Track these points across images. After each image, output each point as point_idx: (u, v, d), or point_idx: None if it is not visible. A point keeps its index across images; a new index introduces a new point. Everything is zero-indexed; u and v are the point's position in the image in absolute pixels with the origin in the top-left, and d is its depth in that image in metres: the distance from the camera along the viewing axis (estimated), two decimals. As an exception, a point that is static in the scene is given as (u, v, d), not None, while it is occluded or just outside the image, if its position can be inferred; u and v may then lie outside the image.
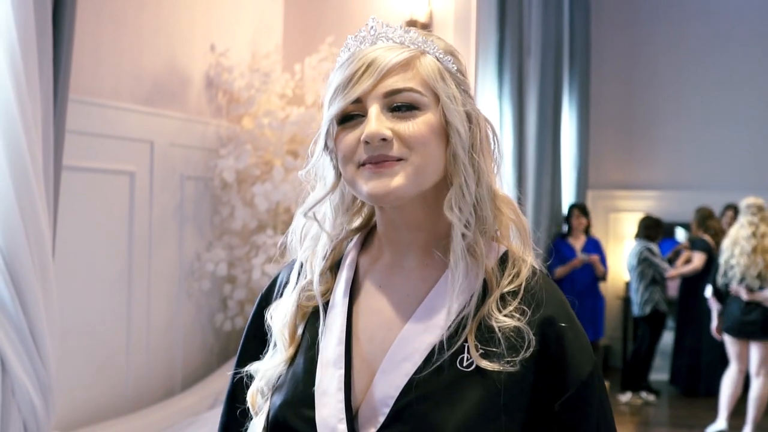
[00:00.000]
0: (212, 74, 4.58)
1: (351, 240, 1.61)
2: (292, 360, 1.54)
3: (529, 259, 1.49)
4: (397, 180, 1.41)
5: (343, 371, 1.46)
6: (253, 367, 1.59)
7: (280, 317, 1.57)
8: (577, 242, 8.69)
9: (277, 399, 1.51)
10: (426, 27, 4.75)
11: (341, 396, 1.44)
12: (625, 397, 8.42)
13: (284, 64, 4.82)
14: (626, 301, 9.47)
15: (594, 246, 8.69)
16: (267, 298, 1.67)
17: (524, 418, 1.42)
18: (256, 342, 1.65)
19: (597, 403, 1.46)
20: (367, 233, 1.62)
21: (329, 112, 1.46)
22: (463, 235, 1.44)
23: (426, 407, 1.39)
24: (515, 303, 1.44)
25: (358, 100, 1.43)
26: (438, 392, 1.39)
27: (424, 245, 1.51)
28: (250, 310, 1.69)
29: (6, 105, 2.72)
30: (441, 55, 1.48)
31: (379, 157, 1.41)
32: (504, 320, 1.42)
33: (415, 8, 4.73)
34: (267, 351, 1.60)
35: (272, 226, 4.88)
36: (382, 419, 1.41)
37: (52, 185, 3.01)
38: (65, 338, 3.09)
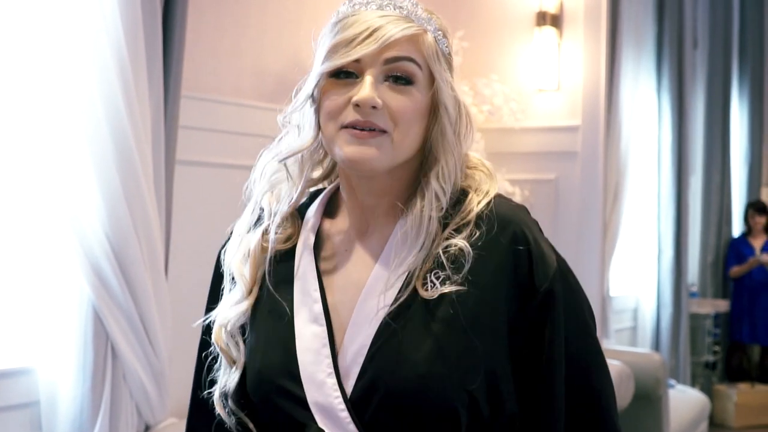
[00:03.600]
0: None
1: (313, 201, 1.62)
2: (255, 309, 1.57)
3: (489, 192, 1.52)
4: (376, 152, 1.43)
5: (325, 327, 1.48)
6: (215, 312, 1.60)
7: (238, 256, 1.58)
8: (757, 241, 8.38)
9: (257, 360, 1.53)
10: (556, 19, 4.66)
11: (327, 351, 1.47)
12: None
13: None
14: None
15: (775, 243, 8.37)
16: (221, 253, 1.67)
17: (503, 340, 1.45)
18: (214, 295, 1.66)
19: (563, 308, 1.48)
20: (329, 197, 1.63)
21: (323, 65, 1.46)
22: (437, 198, 1.48)
23: (396, 346, 1.42)
24: (467, 230, 1.46)
25: (358, 60, 1.43)
26: (406, 329, 1.43)
27: (387, 209, 1.53)
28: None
29: (114, 104, 2.79)
30: (440, 36, 1.50)
31: (365, 123, 1.43)
32: (451, 241, 1.45)
33: (546, 1, 4.65)
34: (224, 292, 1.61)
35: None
36: (358, 369, 1.44)
37: (163, 179, 3.07)
38: (179, 330, 3.14)
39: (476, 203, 1.49)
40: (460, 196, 1.52)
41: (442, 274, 1.43)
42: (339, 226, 1.59)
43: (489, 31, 4.86)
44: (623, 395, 3.98)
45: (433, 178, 1.48)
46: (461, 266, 1.43)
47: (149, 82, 2.96)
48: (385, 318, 1.44)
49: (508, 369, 1.46)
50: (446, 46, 1.52)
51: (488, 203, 1.49)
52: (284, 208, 1.58)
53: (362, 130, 1.43)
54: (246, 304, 1.56)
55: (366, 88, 1.42)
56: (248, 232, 1.60)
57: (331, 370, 1.45)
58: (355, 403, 1.44)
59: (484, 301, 1.44)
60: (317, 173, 1.62)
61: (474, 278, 1.43)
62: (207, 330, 1.64)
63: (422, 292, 1.43)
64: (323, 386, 1.45)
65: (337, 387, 1.45)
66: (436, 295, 1.43)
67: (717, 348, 8.07)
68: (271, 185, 1.59)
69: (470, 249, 1.43)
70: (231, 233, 1.65)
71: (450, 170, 1.49)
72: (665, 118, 6.73)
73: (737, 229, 8.72)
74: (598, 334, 4.51)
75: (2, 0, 2.71)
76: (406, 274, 1.46)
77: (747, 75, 9.08)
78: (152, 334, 2.97)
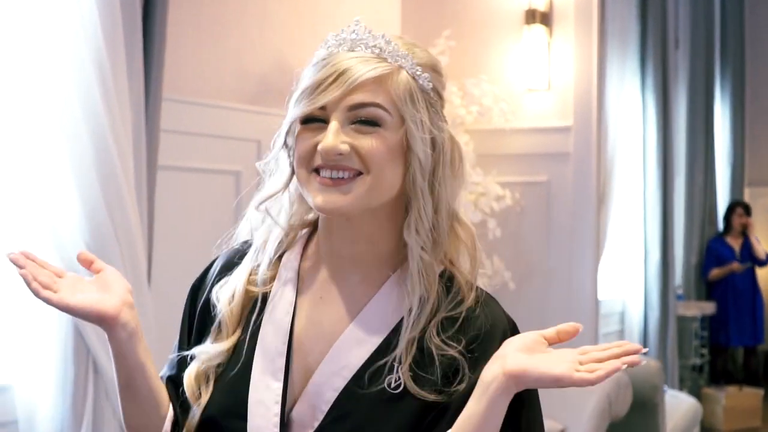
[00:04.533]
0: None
1: (294, 243, 1.57)
2: (233, 350, 1.50)
3: (474, 287, 1.47)
4: (348, 198, 1.39)
5: (281, 384, 1.44)
6: (197, 349, 1.52)
7: (226, 295, 1.53)
8: (736, 242, 8.33)
9: (212, 400, 1.48)
10: (546, 17, 4.57)
11: (277, 409, 1.43)
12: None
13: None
14: (790, 303, 8.98)
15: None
16: (199, 286, 1.62)
17: None
18: (188, 330, 1.61)
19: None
20: (307, 239, 1.58)
21: (293, 111, 1.42)
22: (421, 258, 1.42)
23: (352, 424, 1.38)
24: (452, 330, 1.41)
25: (323, 107, 1.39)
26: (364, 411, 1.38)
27: (367, 260, 1.48)
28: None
29: (92, 105, 2.71)
30: (418, 72, 1.44)
31: (334, 167, 1.39)
32: (443, 347, 1.39)
33: (534, -2, 4.57)
34: (209, 333, 1.54)
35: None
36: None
37: (145, 185, 3.00)
38: (164, 346, 3.05)
39: (468, 296, 1.46)
40: (448, 271, 1.48)
41: (424, 374, 1.39)
42: (315, 269, 1.53)
43: (477, 30, 4.76)
44: (621, 404, 3.91)
45: (405, 231, 1.44)
46: (447, 376, 1.39)
47: (129, 85, 2.90)
48: (348, 385, 1.40)
49: None
50: (428, 81, 1.45)
51: (477, 301, 1.45)
52: (270, 252, 1.54)
53: (333, 177, 1.39)
54: (228, 344, 1.51)
55: (329, 137, 1.37)
56: (233, 271, 1.56)
57: (277, 429, 1.41)
58: None
59: (449, 411, 1.38)
60: (311, 215, 1.57)
61: (449, 389, 1.39)
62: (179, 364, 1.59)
63: (403, 376, 1.39)
64: None
65: None
66: (410, 391, 1.38)
67: (704, 351, 8.03)
68: (268, 230, 1.56)
69: (467, 369, 1.38)
70: (207, 268, 1.62)
71: (424, 220, 1.43)
72: (650, 119, 6.70)
73: (721, 229, 8.69)
74: (591, 338, 4.43)
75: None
76: (383, 340, 1.42)
77: (729, 74, 9.09)
78: (135, 348, 2.84)
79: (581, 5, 4.53)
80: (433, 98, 1.46)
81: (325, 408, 1.40)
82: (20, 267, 1.44)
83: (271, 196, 1.50)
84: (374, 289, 1.46)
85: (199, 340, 1.55)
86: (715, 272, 8.28)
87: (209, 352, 1.50)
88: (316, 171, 1.40)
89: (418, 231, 1.42)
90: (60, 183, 2.68)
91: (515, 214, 4.55)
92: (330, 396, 1.40)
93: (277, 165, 1.51)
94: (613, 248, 6.49)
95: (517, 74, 4.64)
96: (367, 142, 1.38)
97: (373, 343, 1.41)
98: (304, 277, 1.52)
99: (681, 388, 7.16)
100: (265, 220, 1.55)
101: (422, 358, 1.39)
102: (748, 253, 8.36)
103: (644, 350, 1.30)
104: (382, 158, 1.38)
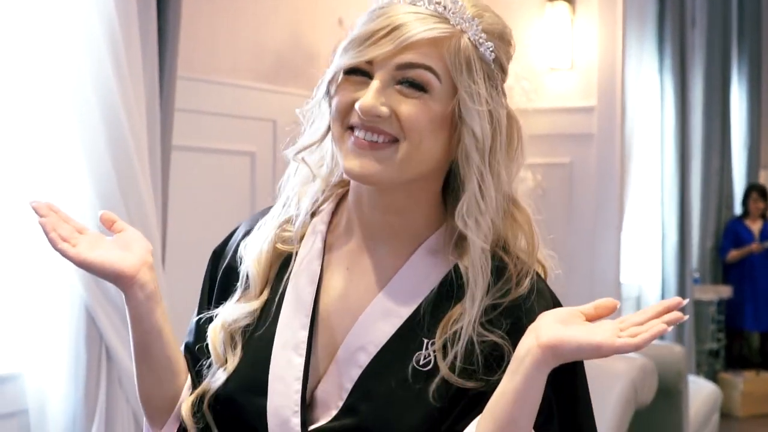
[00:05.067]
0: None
1: (327, 204, 1.49)
2: (261, 311, 1.43)
3: (531, 274, 1.36)
4: (379, 166, 1.30)
5: (303, 360, 1.36)
6: (221, 310, 1.45)
7: (253, 252, 1.45)
8: (755, 225, 8.26)
9: (236, 372, 1.40)
10: (571, -4, 4.47)
11: (298, 386, 1.34)
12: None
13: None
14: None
15: (773, 229, 8.25)
16: (221, 251, 1.55)
17: None
18: (208, 294, 1.54)
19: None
20: (338, 203, 1.49)
21: (338, 61, 1.33)
22: (482, 249, 1.32)
23: (377, 404, 1.30)
24: (493, 314, 1.31)
25: (370, 62, 1.30)
26: (390, 388, 1.30)
27: (398, 232, 1.40)
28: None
29: (105, 84, 2.66)
30: (482, 40, 1.32)
31: (370, 128, 1.30)
32: (485, 333, 1.30)
33: (559, -24, 4.47)
34: (235, 289, 1.46)
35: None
36: (334, 412, 1.33)
37: (159, 166, 2.94)
38: (178, 327, 2.99)
39: (523, 283, 1.35)
40: (499, 254, 1.37)
41: (465, 365, 1.29)
42: (344, 238, 1.45)
43: (497, 7, 4.57)
44: (647, 391, 3.83)
45: (458, 218, 1.33)
46: (491, 365, 1.30)
47: (143, 63, 2.83)
48: (373, 361, 1.33)
49: None
50: (491, 51, 1.33)
51: (531, 291, 1.35)
52: (306, 208, 1.47)
53: (367, 139, 1.31)
54: (256, 304, 1.43)
55: (368, 96, 1.28)
56: (271, 225, 1.48)
57: (298, 408, 1.34)
58: None
59: (484, 397, 1.29)
60: None
61: (493, 378, 1.29)
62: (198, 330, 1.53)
63: (423, 355, 1.32)
64: (287, 424, 1.34)
65: (299, 430, 1.34)
66: (440, 370, 1.30)
67: (720, 335, 7.95)
68: (303, 182, 1.49)
69: (510, 347, 1.28)
70: (231, 234, 1.56)
71: (482, 203, 1.33)
72: (668, 101, 6.62)
73: (738, 213, 8.60)
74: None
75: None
76: (411, 313, 1.34)
77: (746, 56, 8.97)
78: (149, 335, 2.79)
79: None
80: (494, 70, 1.34)
81: (349, 386, 1.32)
82: (41, 216, 1.38)
83: (308, 147, 1.43)
84: (403, 261, 1.38)
85: (222, 303, 1.47)
86: (734, 254, 8.20)
87: (234, 313, 1.43)
88: (351, 129, 1.32)
89: (477, 220, 1.32)
90: (72, 163, 2.62)
91: (537, 197, 4.46)
92: (355, 373, 1.32)
93: (319, 112, 1.42)
94: (630, 232, 6.42)
95: (540, 53, 4.54)
96: (409, 108, 1.28)
97: (401, 316, 1.33)
98: (331, 245, 1.45)
99: (698, 373, 7.09)
100: (298, 172, 1.48)
101: (458, 342, 1.29)
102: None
103: (684, 302, 1.19)
104: (423, 127, 1.29)
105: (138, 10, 2.77)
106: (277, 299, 1.42)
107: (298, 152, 1.43)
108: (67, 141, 2.61)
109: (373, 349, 1.32)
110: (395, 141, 1.29)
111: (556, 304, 1.38)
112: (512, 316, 1.31)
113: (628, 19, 5.50)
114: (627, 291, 6.45)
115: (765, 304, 8.29)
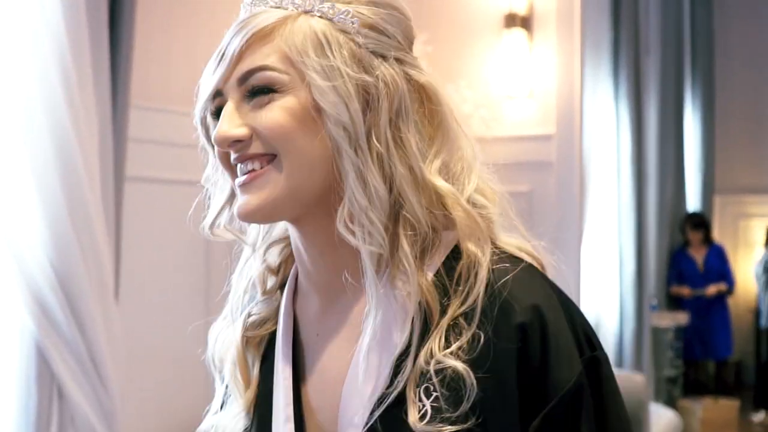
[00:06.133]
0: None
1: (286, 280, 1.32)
2: (254, 409, 1.27)
3: (485, 262, 1.13)
4: (264, 194, 1.13)
5: None
6: (208, 424, 1.32)
7: (228, 355, 1.30)
8: (699, 254, 8.26)
9: None
10: (526, 21, 4.45)
11: None
12: (759, 416, 7.94)
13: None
14: (758, 313, 8.94)
15: (717, 255, 8.26)
16: None
17: None
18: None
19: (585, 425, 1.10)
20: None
21: (196, 106, 1.22)
22: (379, 257, 1.13)
23: None
24: (472, 328, 1.09)
25: (219, 93, 1.16)
26: None
27: (347, 270, 1.17)
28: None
29: (57, 113, 2.60)
30: (331, 11, 1.15)
31: (241, 158, 1.14)
32: (443, 361, 1.08)
33: (514, 1, 4.44)
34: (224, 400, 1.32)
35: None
36: None
37: (112, 197, 2.87)
38: (132, 360, 2.93)
39: (479, 276, 1.13)
40: (450, 259, 1.17)
41: (429, 402, 1.09)
42: (305, 301, 1.28)
43: (455, 35, 4.64)
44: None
45: (340, 227, 1.13)
46: (459, 397, 1.07)
47: (95, 91, 2.76)
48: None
49: None
50: (352, 17, 1.15)
51: (491, 278, 1.12)
52: (261, 283, 1.33)
53: (245, 172, 1.15)
54: (245, 414, 1.29)
55: (221, 124, 1.14)
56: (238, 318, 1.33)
57: None
58: None
59: None
60: (276, 231, 1.34)
61: (483, 411, 1.07)
62: None
63: (411, 415, 1.08)
64: None
65: None
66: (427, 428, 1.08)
67: (678, 362, 7.97)
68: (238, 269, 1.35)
69: (473, 379, 1.07)
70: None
71: (364, 199, 1.11)
72: (623, 127, 6.61)
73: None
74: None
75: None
76: (391, 368, 1.12)
77: (699, 81, 9.06)
78: (102, 370, 2.76)
79: (563, 9, 4.42)
80: (366, 37, 1.16)
81: None
82: None
83: (220, 211, 1.26)
84: (364, 307, 1.16)
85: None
86: (675, 290, 8.19)
87: (224, 421, 1.30)
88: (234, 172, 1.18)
89: (358, 218, 1.11)
90: (22, 197, 2.56)
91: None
92: None
93: (220, 174, 1.25)
94: (587, 260, 6.40)
95: (497, 80, 4.52)
96: (264, 115, 1.12)
97: (382, 375, 1.12)
98: (300, 314, 1.28)
99: (656, 400, 7.08)
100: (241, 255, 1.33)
101: (426, 381, 1.09)
102: (714, 265, 8.26)
103: None
104: (287, 129, 1.11)
105: (90, 37, 2.71)
106: (261, 397, 1.28)
107: (213, 220, 1.27)
108: (17, 172, 2.54)
109: (359, 421, 1.13)
110: (274, 158, 1.14)
111: (529, 297, 1.13)
112: (490, 318, 1.10)
113: (585, 46, 5.52)
114: (585, 318, 6.43)
115: (717, 334, 8.31)
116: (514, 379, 1.08)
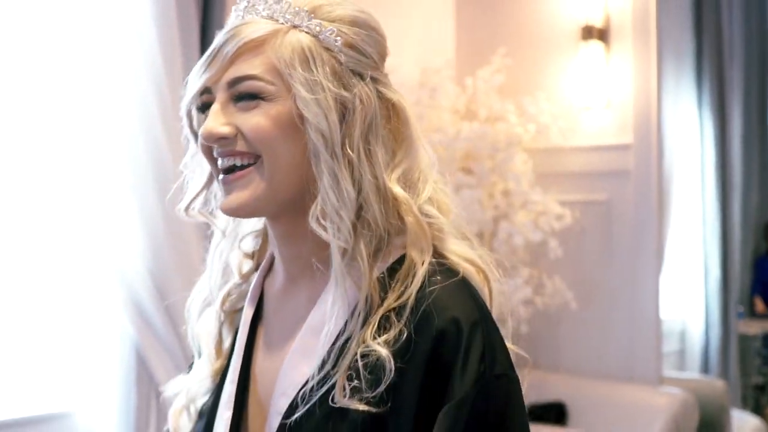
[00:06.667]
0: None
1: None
2: (222, 376, 1.39)
3: (422, 269, 1.23)
4: (247, 192, 1.24)
5: (231, 413, 1.32)
6: (175, 384, 1.46)
7: (208, 325, 1.44)
8: (785, 261, 8.14)
9: None
10: (603, 33, 4.49)
11: None
12: None
13: (456, 78, 4.66)
14: None
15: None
16: None
17: None
18: None
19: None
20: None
21: (183, 99, 1.29)
22: (344, 251, 1.22)
23: None
24: (400, 324, 1.20)
25: (208, 90, 1.25)
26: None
27: (308, 261, 1.29)
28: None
29: (152, 133, 2.74)
30: (319, 28, 1.25)
31: (224, 153, 1.24)
32: (372, 347, 1.18)
33: (591, 13, 4.48)
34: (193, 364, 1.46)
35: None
36: None
37: None
38: None
39: (417, 276, 1.23)
40: (397, 261, 1.27)
41: (355, 383, 1.18)
42: (273, 280, 1.39)
43: (533, 48, 4.69)
44: (688, 426, 3.82)
45: (312, 222, 1.23)
46: (378, 380, 1.17)
47: None
48: (290, 406, 1.23)
49: None
50: (335, 36, 1.25)
51: (425, 282, 1.22)
52: (238, 267, 1.44)
53: (226, 165, 1.25)
54: (210, 378, 1.43)
55: (209, 120, 1.23)
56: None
57: None
58: None
59: (398, 422, 1.17)
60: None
61: (394, 399, 1.17)
62: None
63: (337, 393, 1.19)
64: None
65: None
66: (346, 406, 1.18)
67: (765, 370, 7.87)
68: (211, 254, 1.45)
69: (392, 364, 1.16)
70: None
71: (336, 201, 1.22)
72: (707, 136, 6.59)
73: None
74: (653, 358, 4.26)
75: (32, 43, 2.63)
76: (323, 361, 1.22)
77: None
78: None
79: (639, 21, 4.43)
80: (347, 56, 1.26)
81: None
82: None
83: (196, 196, 1.36)
84: (319, 291, 1.28)
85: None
86: (761, 306, 8.07)
87: (189, 382, 1.43)
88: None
89: (329, 216, 1.22)
90: (121, 210, 2.69)
91: (576, 234, 4.46)
92: (275, 422, 1.24)
93: (198, 162, 1.35)
94: (672, 267, 6.39)
95: (575, 92, 4.56)
96: (251, 119, 1.22)
97: (319, 355, 1.22)
98: (267, 291, 1.40)
99: (744, 407, 7.01)
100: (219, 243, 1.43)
101: (356, 364, 1.19)
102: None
103: None
104: (270, 135, 1.22)
105: (183, 63, 2.84)
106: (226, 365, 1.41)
107: (189, 203, 1.36)
108: (117, 188, 2.68)
109: (292, 393, 1.24)
110: (255, 161, 1.24)
111: (452, 307, 1.21)
112: (415, 319, 1.19)
113: (664, 56, 5.50)
114: (670, 326, 6.40)
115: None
116: (421, 378, 1.17)
